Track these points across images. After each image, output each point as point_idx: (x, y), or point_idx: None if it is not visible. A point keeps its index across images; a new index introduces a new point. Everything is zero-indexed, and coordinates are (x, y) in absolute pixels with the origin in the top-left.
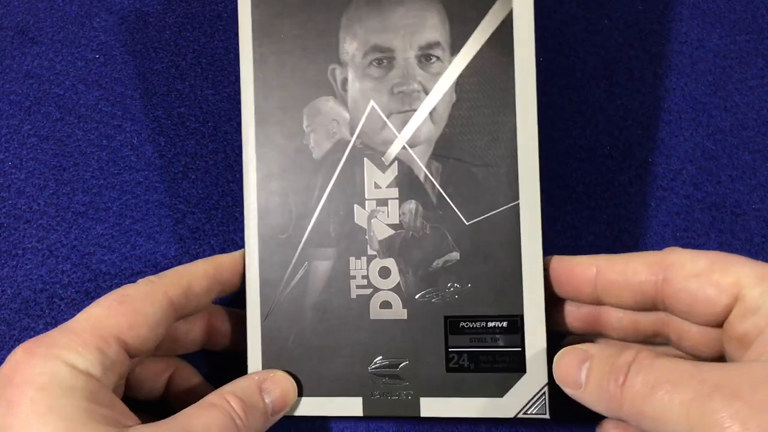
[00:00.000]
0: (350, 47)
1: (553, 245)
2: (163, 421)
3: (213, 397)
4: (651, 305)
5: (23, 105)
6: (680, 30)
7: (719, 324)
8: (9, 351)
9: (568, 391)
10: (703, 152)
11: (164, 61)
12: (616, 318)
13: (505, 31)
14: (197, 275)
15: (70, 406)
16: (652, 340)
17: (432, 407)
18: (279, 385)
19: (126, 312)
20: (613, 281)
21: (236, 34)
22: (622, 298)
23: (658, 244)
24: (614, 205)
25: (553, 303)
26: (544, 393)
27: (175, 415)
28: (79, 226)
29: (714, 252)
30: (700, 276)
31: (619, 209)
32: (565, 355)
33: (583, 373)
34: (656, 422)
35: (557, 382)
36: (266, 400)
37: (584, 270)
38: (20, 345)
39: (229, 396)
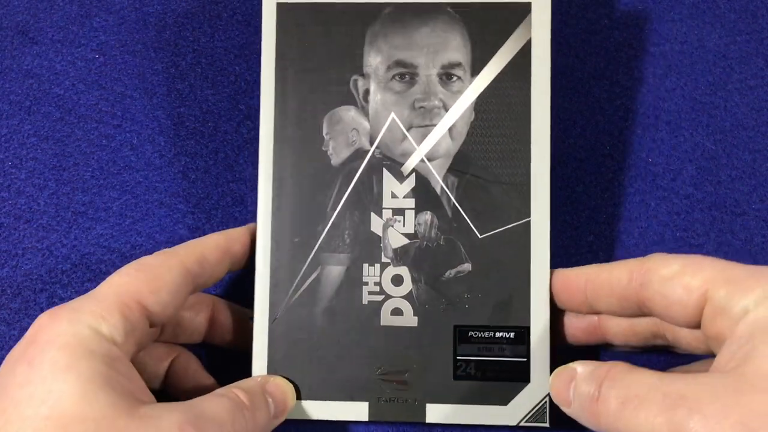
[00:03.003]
0: (374, 60)
1: (553, 245)
2: (176, 402)
3: (221, 390)
4: (638, 310)
5: (23, 105)
6: (680, 30)
7: (698, 325)
8: (8, 351)
9: (564, 409)
10: (703, 152)
11: (164, 61)
12: (615, 324)
13: (523, 59)
14: (210, 246)
15: (89, 367)
16: (653, 342)
17: (438, 413)
18: (280, 389)
19: (146, 278)
20: (601, 290)
21: (237, 35)
22: (611, 305)
23: (658, 244)
24: (614, 205)
25: (558, 316)
26: (546, 403)
27: (185, 401)
28: (79, 226)
29: (690, 255)
30: (672, 279)
31: (619, 209)
32: (557, 375)
33: (571, 392)
34: None
35: (555, 402)
36: (269, 401)
37: (575, 281)
38: (45, 311)
39: (236, 390)
